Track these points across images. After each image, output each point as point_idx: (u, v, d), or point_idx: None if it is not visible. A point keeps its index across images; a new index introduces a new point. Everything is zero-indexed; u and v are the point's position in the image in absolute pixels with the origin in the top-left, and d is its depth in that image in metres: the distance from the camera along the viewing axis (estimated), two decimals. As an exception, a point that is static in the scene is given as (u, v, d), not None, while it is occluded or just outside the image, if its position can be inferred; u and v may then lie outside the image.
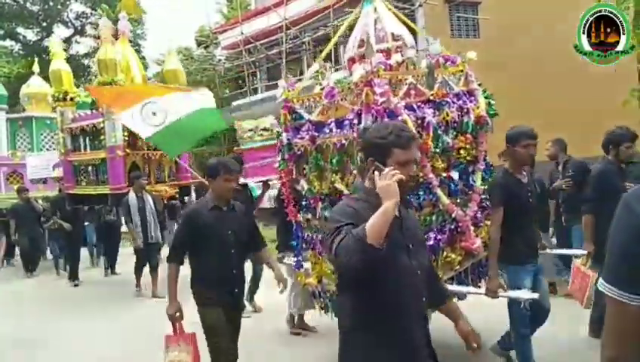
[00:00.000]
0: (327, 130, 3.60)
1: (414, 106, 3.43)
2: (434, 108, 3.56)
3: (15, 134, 11.60)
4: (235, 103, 20.94)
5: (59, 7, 28.34)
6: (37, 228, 9.98)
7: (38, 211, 9.82)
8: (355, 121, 3.36)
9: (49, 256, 10.68)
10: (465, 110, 3.86)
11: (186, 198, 9.66)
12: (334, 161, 3.56)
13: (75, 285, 8.72)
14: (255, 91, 20.21)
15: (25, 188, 9.95)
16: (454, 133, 3.77)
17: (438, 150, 3.55)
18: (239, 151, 6.03)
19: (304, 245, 4.13)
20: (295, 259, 4.26)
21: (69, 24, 29.58)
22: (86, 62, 29.20)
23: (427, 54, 3.86)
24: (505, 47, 15.38)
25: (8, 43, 29.01)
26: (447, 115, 3.63)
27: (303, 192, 3.95)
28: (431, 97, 3.63)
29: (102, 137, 7.87)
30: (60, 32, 29.88)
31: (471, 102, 3.96)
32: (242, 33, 19.41)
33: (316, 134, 3.68)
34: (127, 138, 7.84)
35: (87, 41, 29.52)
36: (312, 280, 4.03)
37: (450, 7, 17.26)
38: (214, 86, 21.22)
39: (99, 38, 28.30)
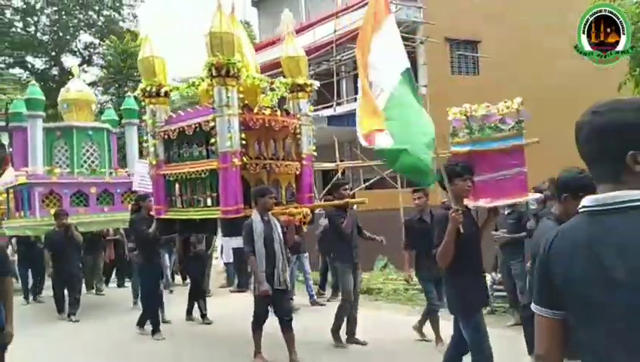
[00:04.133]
0: None
1: None
2: None
3: (52, 147, 9.03)
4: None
5: (68, 37, 27.25)
6: (75, 261, 8.06)
7: (77, 241, 7.83)
8: None
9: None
10: None
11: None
12: None
13: (162, 338, 6.39)
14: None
15: (64, 212, 7.82)
16: None
17: None
18: (459, 153, 3.82)
19: None
20: None
21: (77, 53, 28.39)
22: (91, 90, 27.91)
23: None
24: (504, 83, 15.08)
25: (17, 71, 27.59)
26: None
27: None
28: None
29: (212, 141, 5.38)
30: (69, 61, 28.72)
31: None
32: (244, 66, 18.57)
33: None
34: (244, 141, 5.36)
35: (94, 70, 28.34)
36: None
37: (451, 45, 17.04)
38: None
39: (106, 67, 27.62)
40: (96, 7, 27.05)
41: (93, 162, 9.13)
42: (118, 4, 27.66)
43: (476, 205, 3.57)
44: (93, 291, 10.02)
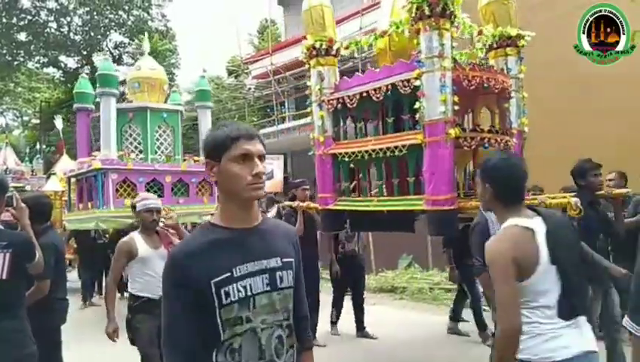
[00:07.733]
0: None
1: None
2: None
3: (122, 130, 7.78)
4: (262, 131, 19.41)
5: (99, 37, 26.54)
6: None
7: None
8: None
9: None
10: None
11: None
12: None
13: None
14: (283, 120, 18.67)
15: None
16: None
17: None
18: None
19: None
20: None
21: (108, 53, 27.51)
22: (122, 88, 27.10)
23: None
24: (541, 82, 13.99)
25: (51, 70, 26.86)
26: None
27: None
28: None
29: (416, 106, 3.71)
30: (99, 60, 27.85)
31: None
32: (272, 64, 17.65)
33: None
34: (457, 107, 3.67)
35: (124, 70, 27.42)
36: None
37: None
38: (243, 114, 19.54)
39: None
40: (126, 7, 26.35)
41: (166, 148, 7.98)
42: (147, 4, 26.91)
43: None
44: None
